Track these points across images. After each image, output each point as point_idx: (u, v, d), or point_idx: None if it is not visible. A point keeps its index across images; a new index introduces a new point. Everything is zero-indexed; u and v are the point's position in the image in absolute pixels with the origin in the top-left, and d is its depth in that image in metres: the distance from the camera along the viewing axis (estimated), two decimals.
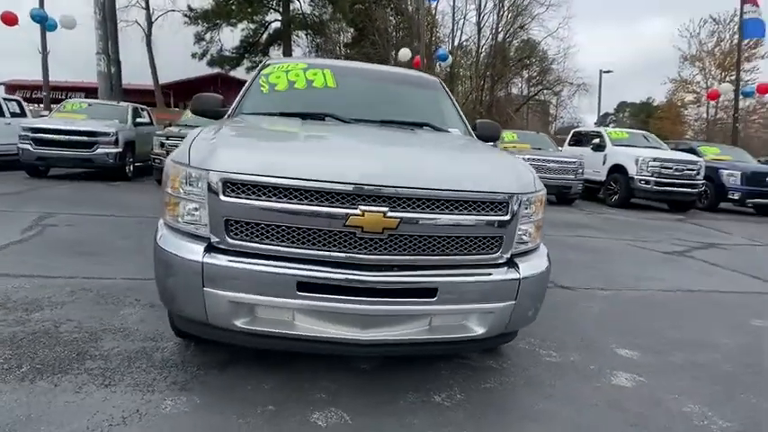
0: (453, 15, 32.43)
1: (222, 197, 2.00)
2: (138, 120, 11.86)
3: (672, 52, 47.71)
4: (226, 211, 2.01)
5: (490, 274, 2.19)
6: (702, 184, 11.40)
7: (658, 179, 10.87)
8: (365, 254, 2.03)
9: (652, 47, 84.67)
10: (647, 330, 3.46)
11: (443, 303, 2.09)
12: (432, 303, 2.08)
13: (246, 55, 36.10)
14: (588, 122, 39.59)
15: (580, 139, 13.51)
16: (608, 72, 36.60)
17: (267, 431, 2.01)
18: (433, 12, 31.62)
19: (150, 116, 13.08)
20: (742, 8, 17.67)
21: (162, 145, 10.06)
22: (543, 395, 2.47)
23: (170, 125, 11.61)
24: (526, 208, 2.25)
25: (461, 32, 33.80)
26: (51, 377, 2.27)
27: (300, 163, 2.06)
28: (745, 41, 25.42)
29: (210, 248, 2.04)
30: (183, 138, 9.08)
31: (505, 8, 32.34)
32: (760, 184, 11.67)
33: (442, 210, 2.07)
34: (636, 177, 10.91)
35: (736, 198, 11.72)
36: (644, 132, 13.70)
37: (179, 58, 38.86)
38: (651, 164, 10.85)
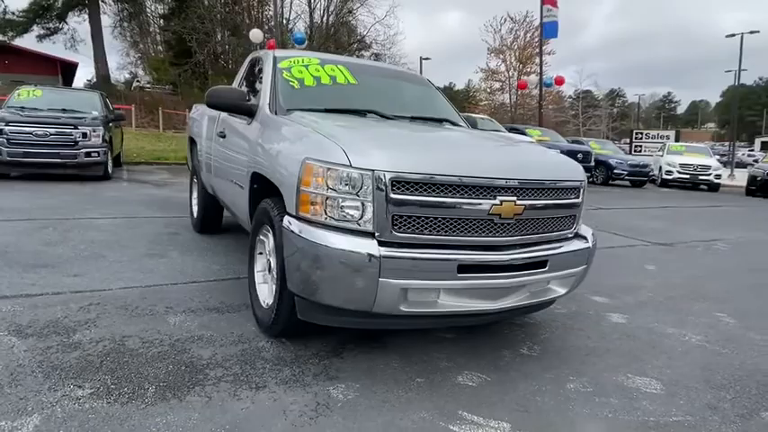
0: None
1: (391, 195, 2.18)
2: None
3: (481, 43, 54.38)
4: (393, 207, 2.19)
5: (561, 246, 2.75)
6: None
7: None
8: (501, 236, 2.41)
9: (462, 37, 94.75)
10: (595, 281, 4.40)
11: (551, 271, 2.58)
12: (545, 272, 2.55)
13: (38, 20, 30.65)
14: None
15: None
16: (427, 59, 40.18)
17: (435, 397, 2.29)
18: None
19: None
20: (542, 11, 21.04)
21: (0, 132, 8.38)
22: (583, 336, 3.15)
23: None
24: (584, 192, 2.85)
25: (290, 11, 33.41)
26: (191, 390, 2.18)
27: (452, 161, 2.34)
28: (537, 41, 30.29)
29: (379, 243, 2.20)
30: (31, 123, 7.92)
31: None
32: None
33: (548, 196, 2.56)
34: None
35: None
36: (486, 117, 15.71)
37: None
38: None
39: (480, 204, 2.32)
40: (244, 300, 3.30)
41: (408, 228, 2.24)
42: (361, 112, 3.26)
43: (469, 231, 2.34)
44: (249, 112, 3.27)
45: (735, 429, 2.20)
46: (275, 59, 3.54)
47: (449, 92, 73.14)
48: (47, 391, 2.10)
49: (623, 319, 3.52)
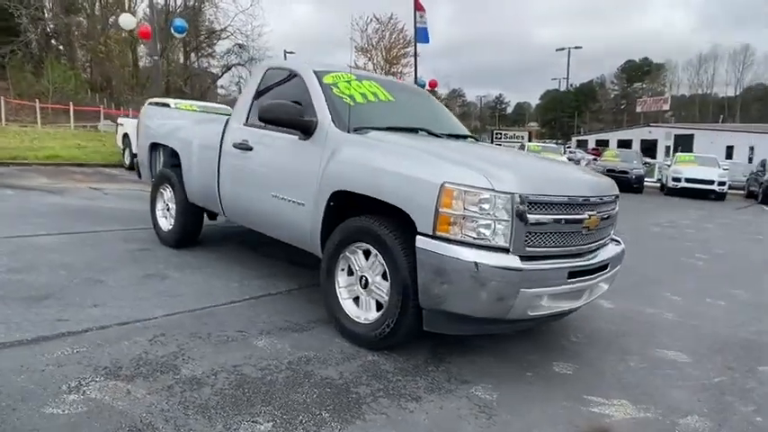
0: None
1: (527, 215, 2.49)
2: None
3: (347, 39, 55.37)
4: (526, 225, 2.50)
5: (611, 249, 3.28)
6: None
7: None
8: (588, 244, 2.86)
9: (330, 32, 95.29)
10: None
11: (610, 271, 3.10)
12: (607, 272, 3.06)
13: None
14: None
15: None
16: (291, 53, 39.84)
17: (556, 387, 2.66)
18: None
19: None
20: (415, 16, 22.29)
21: None
22: (599, 321, 3.78)
23: None
24: None
25: None
26: (361, 409, 2.26)
27: (558, 182, 2.73)
28: (402, 42, 31.98)
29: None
30: None
31: None
32: None
33: (608, 208, 3.07)
34: None
35: None
36: None
37: None
38: None
39: (579, 219, 2.74)
40: (306, 317, 3.32)
41: (534, 242, 2.57)
42: (414, 130, 3.46)
43: (569, 242, 2.75)
44: (306, 129, 3.26)
45: (754, 381, 2.94)
46: (318, 74, 3.54)
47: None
48: None
49: (611, 304, 4.24)
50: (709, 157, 18.99)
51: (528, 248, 2.54)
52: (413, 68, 32.03)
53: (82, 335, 2.79)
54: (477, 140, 4.08)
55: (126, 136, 12.29)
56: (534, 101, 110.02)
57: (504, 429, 2.21)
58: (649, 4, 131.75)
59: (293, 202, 3.30)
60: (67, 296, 3.36)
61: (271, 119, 3.23)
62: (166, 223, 4.91)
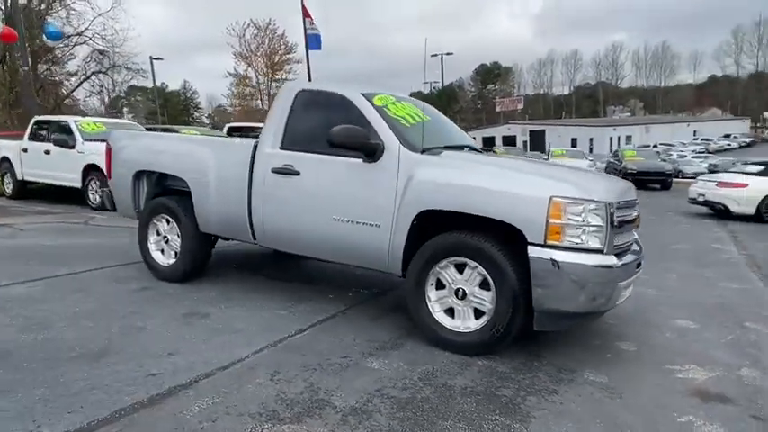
0: None
1: (615, 219, 2.91)
2: None
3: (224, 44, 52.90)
4: (614, 228, 2.92)
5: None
6: None
7: None
8: (631, 239, 3.38)
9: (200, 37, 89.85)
10: None
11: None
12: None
13: None
14: None
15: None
16: (158, 59, 37.21)
17: (636, 363, 3.13)
18: None
19: None
20: (305, 23, 22.23)
21: None
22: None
23: None
24: None
25: None
26: (522, 408, 2.49)
27: (618, 189, 3.21)
28: (284, 48, 31.58)
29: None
30: None
31: None
32: None
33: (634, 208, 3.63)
34: None
35: None
36: None
37: None
38: None
39: (634, 218, 3.25)
40: (387, 335, 3.42)
41: (616, 241, 3.00)
42: (460, 147, 3.73)
43: (627, 239, 3.25)
44: (372, 152, 3.35)
45: (754, 335, 3.70)
46: (368, 98, 3.61)
47: (162, 92, 68.07)
48: None
49: None
50: (577, 151, 21.81)
51: (613, 246, 2.97)
52: (297, 75, 31.86)
53: (195, 386, 2.62)
54: (493, 152, 4.45)
55: (5, 160, 10.68)
56: None
57: (638, 402, 2.60)
58: (497, 12, 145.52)
59: (366, 224, 3.35)
60: (126, 349, 3.06)
61: (340, 143, 3.26)
62: (164, 258, 4.55)
